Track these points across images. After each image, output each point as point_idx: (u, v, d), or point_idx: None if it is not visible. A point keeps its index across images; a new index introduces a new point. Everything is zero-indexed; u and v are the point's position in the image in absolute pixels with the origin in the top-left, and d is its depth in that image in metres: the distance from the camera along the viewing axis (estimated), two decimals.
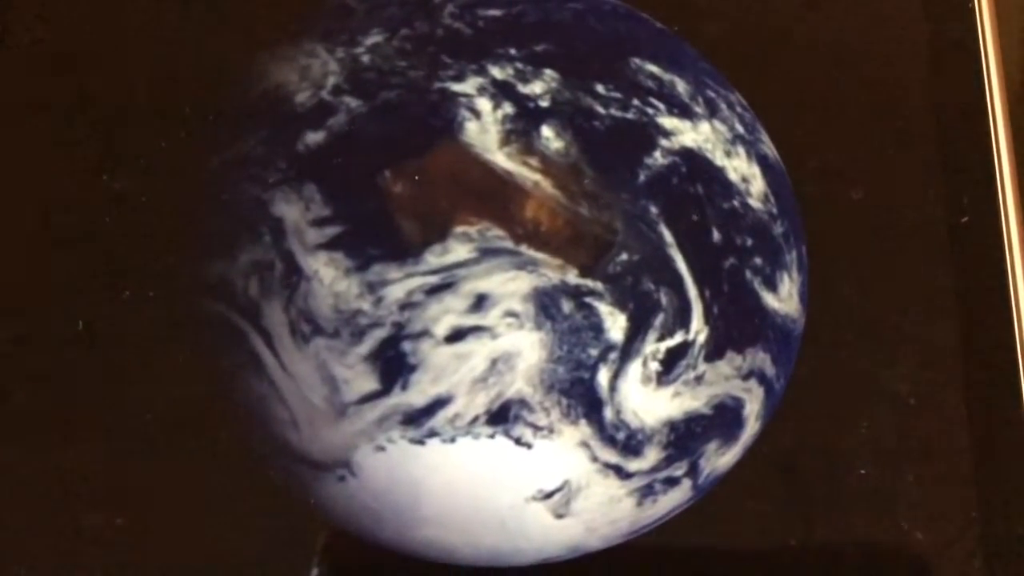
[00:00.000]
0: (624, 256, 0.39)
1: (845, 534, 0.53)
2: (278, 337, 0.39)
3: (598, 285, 0.38)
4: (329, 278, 0.38)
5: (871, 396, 0.55)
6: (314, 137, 0.39)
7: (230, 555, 0.51)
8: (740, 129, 0.46)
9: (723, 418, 0.44)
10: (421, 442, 0.39)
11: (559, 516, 0.43)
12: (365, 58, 0.40)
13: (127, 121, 0.54)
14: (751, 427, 0.47)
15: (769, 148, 0.48)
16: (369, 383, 0.38)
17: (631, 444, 0.41)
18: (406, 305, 0.37)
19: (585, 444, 0.40)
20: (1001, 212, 0.56)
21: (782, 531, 0.53)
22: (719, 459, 0.47)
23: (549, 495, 0.42)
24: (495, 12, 0.42)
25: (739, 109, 0.47)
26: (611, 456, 0.41)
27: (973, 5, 0.59)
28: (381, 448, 0.40)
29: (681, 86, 0.43)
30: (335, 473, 0.41)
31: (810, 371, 0.53)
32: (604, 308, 0.38)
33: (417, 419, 0.39)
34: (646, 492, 0.44)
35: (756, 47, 0.59)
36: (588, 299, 0.38)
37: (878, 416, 0.55)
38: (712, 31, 0.59)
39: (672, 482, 0.45)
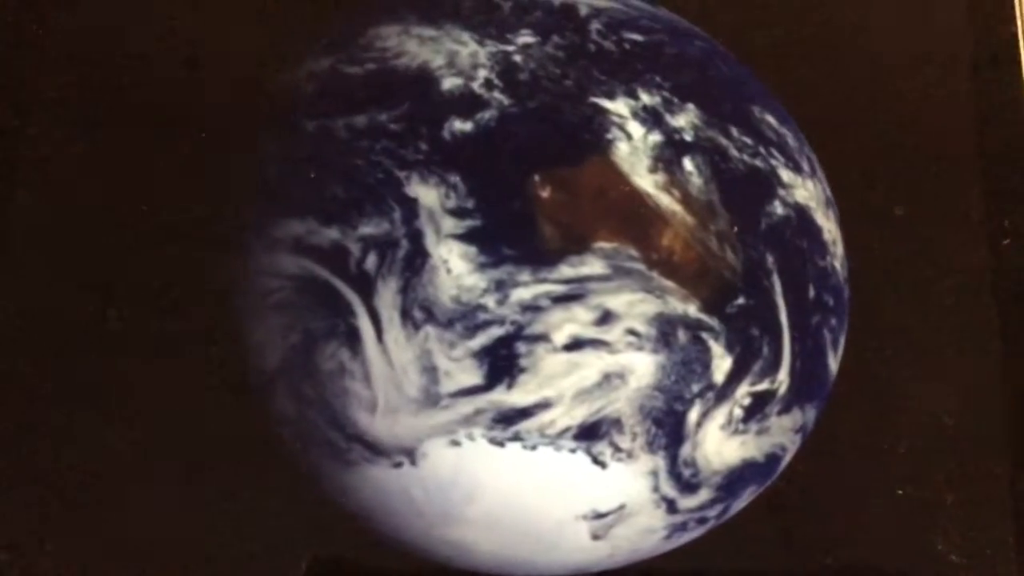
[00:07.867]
0: (741, 300, 0.39)
1: (881, 555, 0.54)
2: (387, 318, 0.38)
3: (716, 323, 0.39)
4: (458, 269, 0.37)
5: (910, 416, 0.55)
6: (461, 126, 0.38)
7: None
8: (828, 192, 0.47)
9: (768, 467, 0.46)
10: (501, 444, 0.39)
11: (596, 538, 0.43)
12: (517, 58, 0.40)
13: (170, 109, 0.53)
14: (777, 474, 0.49)
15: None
16: (472, 377, 0.38)
17: (691, 482, 0.42)
18: (529, 307, 0.38)
19: (653, 474, 0.41)
20: None
21: (819, 551, 0.54)
22: (744, 502, 0.48)
23: (600, 516, 0.42)
24: (637, 36, 0.42)
25: (821, 170, 0.49)
26: (671, 490, 0.42)
27: (1017, 26, 0.60)
28: (456, 443, 0.39)
29: (791, 140, 0.45)
30: (392, 459, 0.41)
31: (850, 390, 0.53)
32: (716, 347, 0.39)
33: (509, 419, 0.39)
34: (679, 528, 0.45)
35: (801, 59, 0.60)
36: (704, 335, 0.39)
37: (917, 437, 0.55)
38: (757, 41, 0.59)
39: (702, 521, 0.46)
